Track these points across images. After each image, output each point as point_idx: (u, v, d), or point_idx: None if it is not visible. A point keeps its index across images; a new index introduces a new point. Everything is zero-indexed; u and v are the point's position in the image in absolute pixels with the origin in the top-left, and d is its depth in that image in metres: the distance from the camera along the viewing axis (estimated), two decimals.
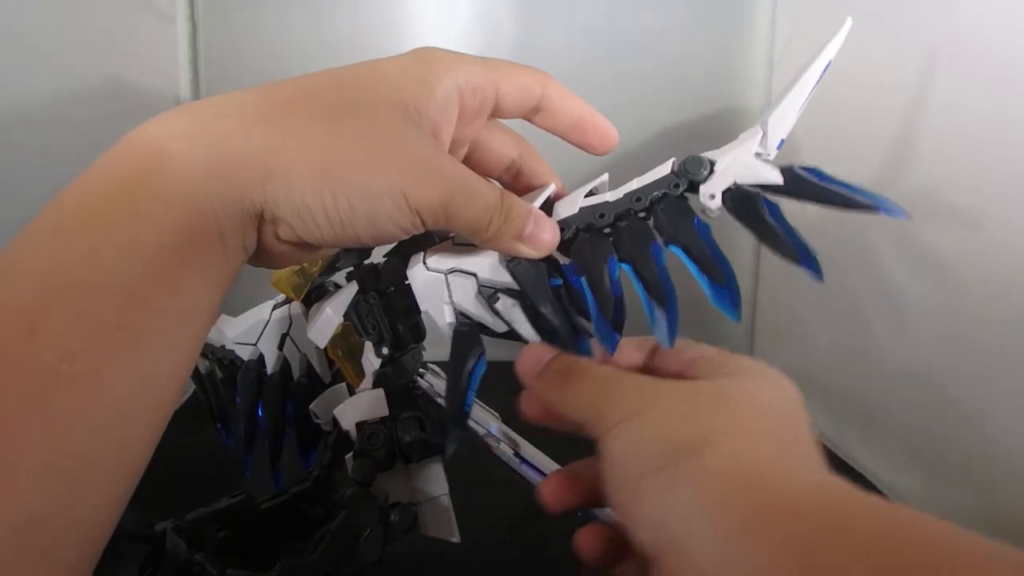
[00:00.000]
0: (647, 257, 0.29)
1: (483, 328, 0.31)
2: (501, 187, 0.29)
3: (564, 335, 0.30)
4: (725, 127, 0.76)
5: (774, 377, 0.27)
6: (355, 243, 0.27)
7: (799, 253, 0.27)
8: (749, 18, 0.75)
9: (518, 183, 0.34)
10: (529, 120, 0.31)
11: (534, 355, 0.30)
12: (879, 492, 0.53)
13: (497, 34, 0.74)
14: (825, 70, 0.29)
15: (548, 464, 0.38)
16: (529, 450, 0.35)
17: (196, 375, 0.45)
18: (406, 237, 0.27)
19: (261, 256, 0.27)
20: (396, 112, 0.26)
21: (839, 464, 0.58)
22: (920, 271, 0.52)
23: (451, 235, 0.31)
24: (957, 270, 0.48)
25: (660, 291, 0.29)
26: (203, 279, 0.24)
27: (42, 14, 0.53)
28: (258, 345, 0.40)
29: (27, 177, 0.50)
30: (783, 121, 0.29)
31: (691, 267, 0.28)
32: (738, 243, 0.71)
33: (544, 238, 0.29)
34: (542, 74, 0.30)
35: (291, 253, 0.27)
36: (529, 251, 0.29)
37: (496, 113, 0.30)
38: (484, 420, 0.35)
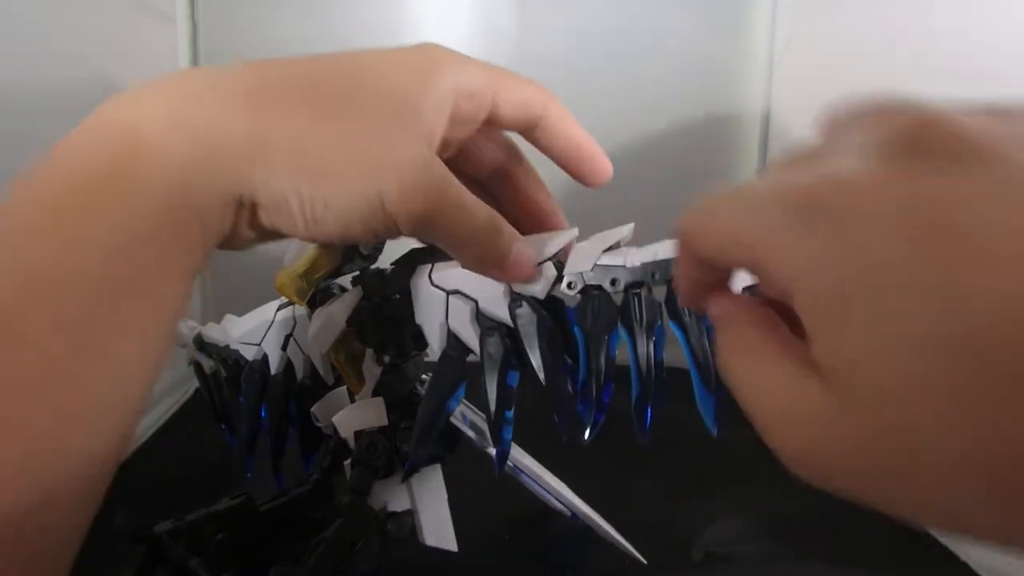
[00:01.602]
0: (647, 338, 0.28)
1: (471, 352, 0.30)
2: (493, 209, 0.27)
3: (551, 386, 0.29)
4: (725, 128, 0.75)
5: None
6: (325, 238, 0.26)
7: None
8: (749, 18, 0.75)
9: (505, 192, 0.32)
10: (525, 137, 0.30)
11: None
12: None
13: (497, 34, 0.74)
14: None
15: (537, 468, 0.38)
16: (514, 453, 0.35)
17: (201, 374, 0.46)
18: (376, 241, 0.26)
19: (229, 240, 0.26)
20: (387, 109, 0.25)
21: None
22: None
23: None
24: None
25: (652, 381, 0.28)
26: (179, 270, 0.24)
27: (41, 14, 0.53)
28: (262, 345, 0.40)
29: None
30: None
31: (686, 354, 0.28)
32: None
33: (521, 274, 0.28)
34: (547, 92, 0.29)
35: (258, 239, 0.26)
36: (504, 279, 0.28)
37: (492, 122, 0.29)
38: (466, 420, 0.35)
